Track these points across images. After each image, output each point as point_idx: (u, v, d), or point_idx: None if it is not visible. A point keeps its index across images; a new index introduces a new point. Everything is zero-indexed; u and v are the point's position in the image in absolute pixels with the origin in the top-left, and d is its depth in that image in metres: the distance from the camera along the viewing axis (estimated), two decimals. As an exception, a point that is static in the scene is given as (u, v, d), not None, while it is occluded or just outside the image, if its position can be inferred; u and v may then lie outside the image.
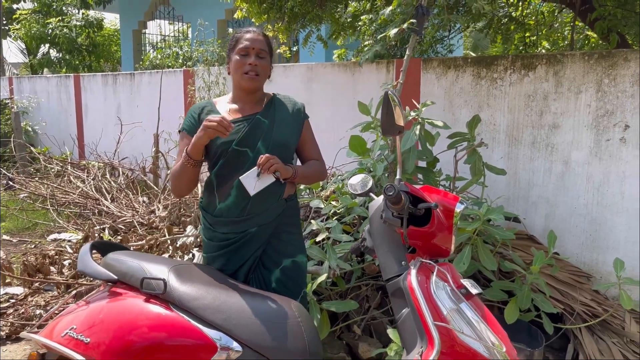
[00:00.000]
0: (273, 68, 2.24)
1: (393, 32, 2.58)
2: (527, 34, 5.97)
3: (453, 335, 1.38)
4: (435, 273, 1.46)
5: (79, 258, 1.91)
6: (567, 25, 5.96)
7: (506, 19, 5.16)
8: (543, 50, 6.87)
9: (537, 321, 2.75)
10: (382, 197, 1.63)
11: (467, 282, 1.47)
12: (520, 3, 5.50)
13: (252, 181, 1.91)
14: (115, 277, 1.80)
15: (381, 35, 2.76)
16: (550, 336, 2.73)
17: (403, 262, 1.56)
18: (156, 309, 1.69)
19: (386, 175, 2.76)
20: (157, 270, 1.78)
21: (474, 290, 1.46)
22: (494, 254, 2.89)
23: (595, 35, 5.53)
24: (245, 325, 1.64)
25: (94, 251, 1.98)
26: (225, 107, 2.14)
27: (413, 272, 1.46)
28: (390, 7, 2.59)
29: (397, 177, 1.62)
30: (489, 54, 8.70)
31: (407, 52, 2.70)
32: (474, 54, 12.08)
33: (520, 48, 5.96)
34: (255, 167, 1.91)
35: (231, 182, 2.02)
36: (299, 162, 2.30)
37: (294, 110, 2.18)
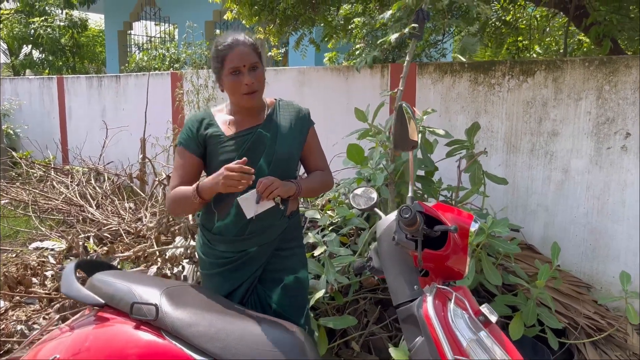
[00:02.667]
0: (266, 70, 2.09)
1: (394, 37, 2.48)
2: (520, 38, 5.93)
3: (473, 368, 1.28)
4: (453, 300, 1.35)
5: (63, 279, 1.77)
6: (560, 29, 5.93)
7: (499, 23, 5.10)
8: (535, 55, 6.83)
9: (541, 336, 2.67)
10: (391, 216, 1.52)
11: (485, 309, 1.37)
12: (512, 7, 5.46)
13: (251, 205, 1.80)
14: (102, 301, 1.67)
15: (381, 40, 2.66)
16: (554, 351, 2.65)
17: (415, 287, 1.45)
18: (147, 336, 1.56)
19: (385, 185, 2.66)
20: (148, 293, 1.65)
21: (493, 317, 1.36)
22: (496, 266, 2.81)
23: (587, 40, 5.50)
24: (245, 355, 1.52)
25: (79, 271, 1.85)
26: (224, 119, 2.00)
27: (429, 299, 1.36)
28: (390, 12, 2.49)
29: (409, 194, 1.51)
30: (479, 58, 8.66)
31: (406, 58, 2.60)
32: (462, 58, 12.07)
33: (513, 53, 5.91)
34: (255, 190, 1.78)
35: (231, 200, 1.88)
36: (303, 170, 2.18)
37: (298, 118, 2.04)
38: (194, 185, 1.84)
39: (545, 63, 3.45)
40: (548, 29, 6.38)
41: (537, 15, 5.60)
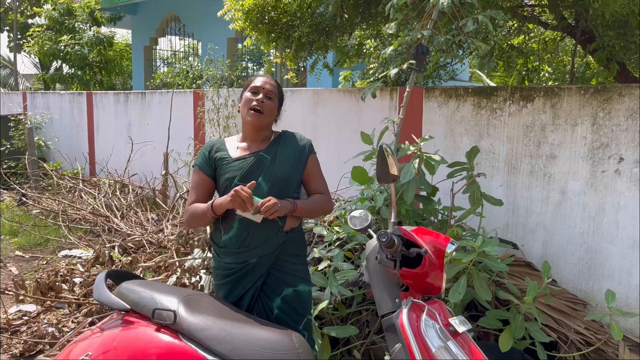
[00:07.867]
0: (281, 114, 2.41)
1: (393, 71, 2.71)
2: (531, 59, 6.09)
3: (441, 372, 1.48)
4: (425, 312, 1.57)
5: (95, 286, 2.04)
6: (569, 51, 6.08)
7: (508, 47, 5.28)
8: (546, 74, 6.98)
9: (532, 349, 2.83)
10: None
11: (455, 321, 1.58)
12: (521, 30, 5.64)
13: (249, 216, 2.11)
14: (128, 306, 1.92)
15: (382, 75, 2.90)
16: (544, 364, 2.81)
17: (397, 300, 1.67)
18: (166, 338, 1.81)
19: (386, 206, 2.88)
20: (168, 301, 1.90)
21: (462, 328, 1.57)
22: (491, 282, 2.99)
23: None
24: (249, 356, 1.75)
25: (108, 280, 2.11)
26: (234, 145, 2.31)
27: (404, 311, 1.58)
28: (391, 47, 2.72)
29: (392, 219, 1.74)
30: (498, 74, 8.81)
31: (407, 89, 2.83)
32: (480, 72, 12.19)
33: (523, 73, 6.08)
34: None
35: (233, 215, 2.17)
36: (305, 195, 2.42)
37: (299, 146, 2.31)
38: (209, 203, 2.18)
39: (543, 90, 3.64)
40: (560, 52, 6.54)
41: (546, 39, 5.77)
